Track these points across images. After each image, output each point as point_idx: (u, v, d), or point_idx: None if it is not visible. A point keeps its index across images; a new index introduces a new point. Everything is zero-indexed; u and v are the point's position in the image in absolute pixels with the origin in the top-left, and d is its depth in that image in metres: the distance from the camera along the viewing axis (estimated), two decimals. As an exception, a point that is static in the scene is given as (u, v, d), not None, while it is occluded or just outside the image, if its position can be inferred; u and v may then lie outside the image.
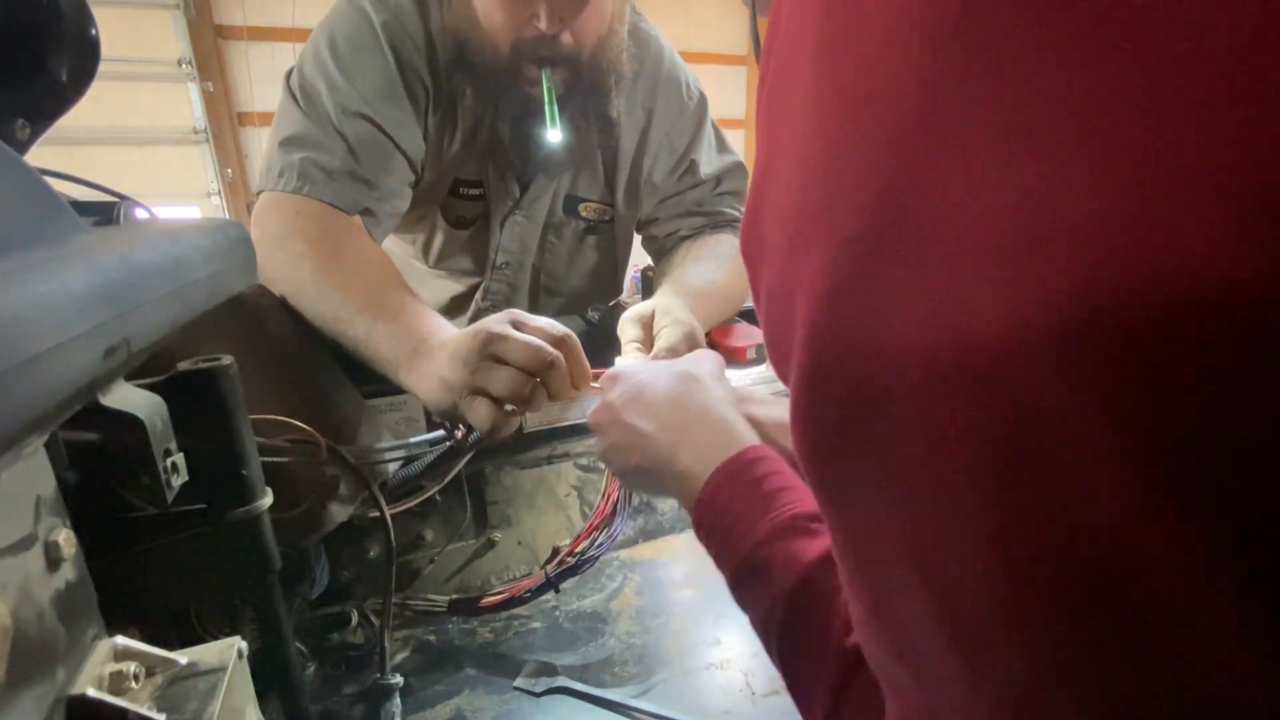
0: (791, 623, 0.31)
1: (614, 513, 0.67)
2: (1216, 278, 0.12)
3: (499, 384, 0.53)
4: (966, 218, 0.15)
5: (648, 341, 0.68)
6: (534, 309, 0.85)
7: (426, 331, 0.61)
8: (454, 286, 1.00)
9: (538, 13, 0.69)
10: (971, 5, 0.14)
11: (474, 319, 0.82)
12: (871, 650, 0.22)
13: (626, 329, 0.70)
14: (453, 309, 1.02)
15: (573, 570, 0.67)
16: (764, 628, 0.33)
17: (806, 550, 0.31)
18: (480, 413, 0.54)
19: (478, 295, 0.96)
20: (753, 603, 0.34)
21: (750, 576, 0.34)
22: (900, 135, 0.15)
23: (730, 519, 0.35)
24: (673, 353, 0.63)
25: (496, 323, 0.55)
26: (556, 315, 0.79)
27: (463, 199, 0.88)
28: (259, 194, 0.73)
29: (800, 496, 0.34)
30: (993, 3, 0.14)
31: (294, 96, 0.73)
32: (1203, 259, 0.12)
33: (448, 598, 0.66)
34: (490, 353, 0.54)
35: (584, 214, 0.95)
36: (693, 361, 0.52)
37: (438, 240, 0.94)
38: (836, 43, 0.17)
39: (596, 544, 0.66)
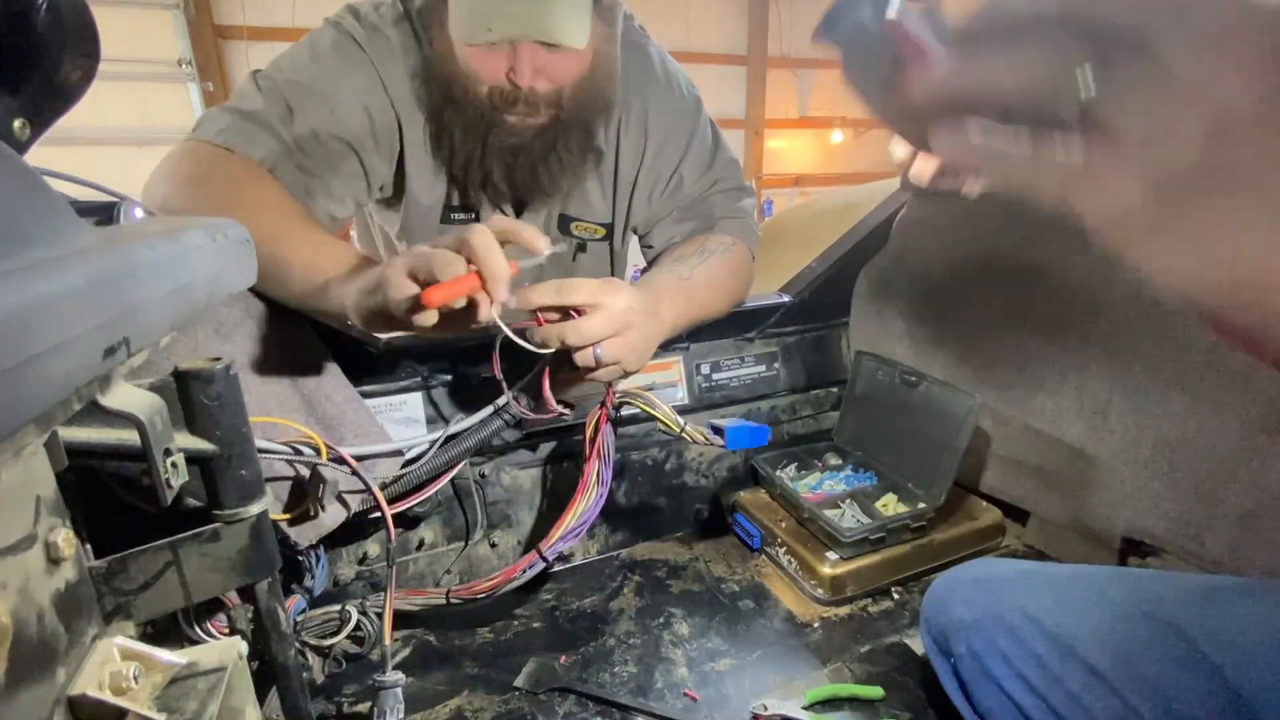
0: None
1: (597, 481, 0.66)
2: None
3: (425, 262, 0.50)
4: None
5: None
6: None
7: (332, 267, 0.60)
8: None
9: (514, 65, 0.70)
10: None
11: None
12: None
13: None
14: None
15: (564, 540, 0.67)
16: None
17: None
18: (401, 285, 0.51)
19: None
20: None
21: None
22: None
23: None
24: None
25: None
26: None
27: (454, 224, 0.90)
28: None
29: None
30: None
31: (256, 84, 0.73)
32: None
33: (445, 589, 0.66)
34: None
35: (576, 232, 0.96)
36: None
37: None
38: None
39: (582, 513, 0.66)
